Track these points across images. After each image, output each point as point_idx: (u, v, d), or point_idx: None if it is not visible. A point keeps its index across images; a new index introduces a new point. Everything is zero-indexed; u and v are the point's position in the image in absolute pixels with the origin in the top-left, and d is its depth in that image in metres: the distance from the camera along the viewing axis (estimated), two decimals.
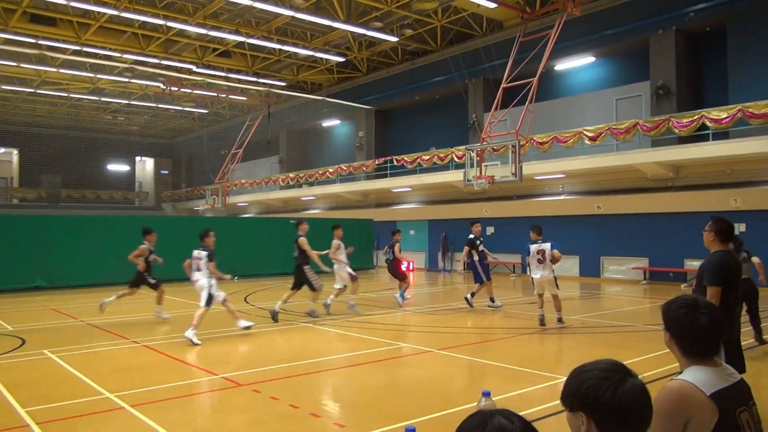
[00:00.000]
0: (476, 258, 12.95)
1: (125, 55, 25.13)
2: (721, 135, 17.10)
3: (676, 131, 17.12)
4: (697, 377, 2.15)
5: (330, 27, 22.35)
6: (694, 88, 19.85)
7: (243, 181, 35.31)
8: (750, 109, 15.57)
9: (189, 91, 30.00)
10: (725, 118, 16.09)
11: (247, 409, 5.74)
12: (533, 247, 10.81)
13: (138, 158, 49.95)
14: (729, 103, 17.11)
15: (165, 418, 5.39)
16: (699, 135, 17.36)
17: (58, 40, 23.36)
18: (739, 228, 16.92)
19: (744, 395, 2.21)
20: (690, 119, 16.80)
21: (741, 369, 5.31)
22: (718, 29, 18.71)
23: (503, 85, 18.74)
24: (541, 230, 11.14)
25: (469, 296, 13.13)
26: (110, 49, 24.62)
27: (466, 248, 13.00)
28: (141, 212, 42.95)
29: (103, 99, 33.70)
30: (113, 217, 22.40)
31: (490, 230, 23.52)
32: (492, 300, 13.09)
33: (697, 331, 2.21)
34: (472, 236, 13.07)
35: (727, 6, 17.94)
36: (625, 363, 1.73)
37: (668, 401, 2.08)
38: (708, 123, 16.45)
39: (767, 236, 16.54)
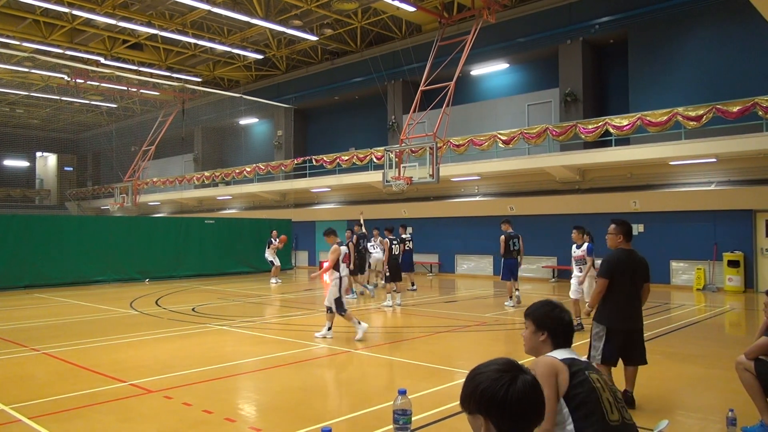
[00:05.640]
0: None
1: (25, 44, 23.46)
2: (623, 141, 18.22)
3: (583, 137, 18.06)
4: (555, 353, 2.86)
5: (248, 23, 21.91)
6: (599, 96, 21.04)
7: (155, 179, 33.90)
8: (648, 118, 16.67)
9: (96, 84, 28.47)
10: (626, 125, 17.14)
11: (158, 417, 5.52)
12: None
13: (39, 154, 46.87)
14: (629, 111, 18.26)
15: (67, 430, 5.10)
16: (603, 140, 18.42)
17: None
18: (638, 228, 18.10)
19: (592, 368, 2.84)
20: (595, 125, 17.77)
21: (642, 360, 5.66)
22: (620, 41, 19.92)
23: (421, 87, 19.07)
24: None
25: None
26: (8, 37, 22.92)
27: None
28: (42, 211, 40.32)
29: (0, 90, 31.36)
30: (9, 216, 20.85)
31: (408, 230, 23.84)
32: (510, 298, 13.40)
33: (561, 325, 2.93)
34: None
35: (628, 20, 19.15)
36: (526, 360, 1.81)
37: (544, 365, 2.77)
38: (611, 129, 17.47)
39: (663, 236, 17.80)
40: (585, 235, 10.93)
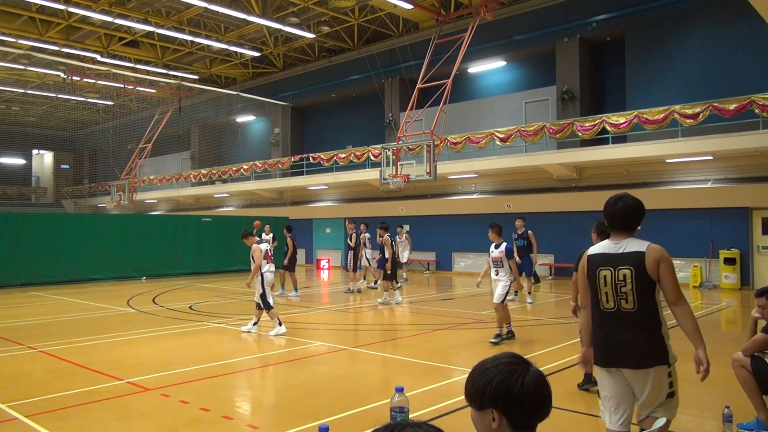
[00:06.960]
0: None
1: (21, 41, 23.40)
2: (620, 139, 18.24)
3: (580, 134, 18.07)
4: (593, 247, 3.66)
5: (245, 20, 21.86)
6: (596, 93, 21.04)
7: (151, 177, 33.84)
8: (645, 115, 16.69)
9: (93, 81, 28.40)
10: (623, 123, 17.16)
11: (155, 415, 5.52)
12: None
13: (35, 151, 46.73)
14: (626, 109, 18.28)
15: (64, 428, 5.09)
16: (600, 138, 18.44)
17: None
18: None
19: (615, 261, 3.44)
20: (592, 123, 17.79)
21: None
22: (617, 39, 19.92)
23: (419, 85, 19.07)
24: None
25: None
26: (4, 34, 22.84)
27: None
28: (38, 209, 40.21)
29: None
30: (5, 214, 20.77)
31: (405, 228, 23.87)
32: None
33: (611, 214, 3.55)
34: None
35: (625, 18, 19.15)
36: (531, 355, 1.81)
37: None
38: (608, 127, 17.49)
39: (659, 233, 17.78)
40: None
